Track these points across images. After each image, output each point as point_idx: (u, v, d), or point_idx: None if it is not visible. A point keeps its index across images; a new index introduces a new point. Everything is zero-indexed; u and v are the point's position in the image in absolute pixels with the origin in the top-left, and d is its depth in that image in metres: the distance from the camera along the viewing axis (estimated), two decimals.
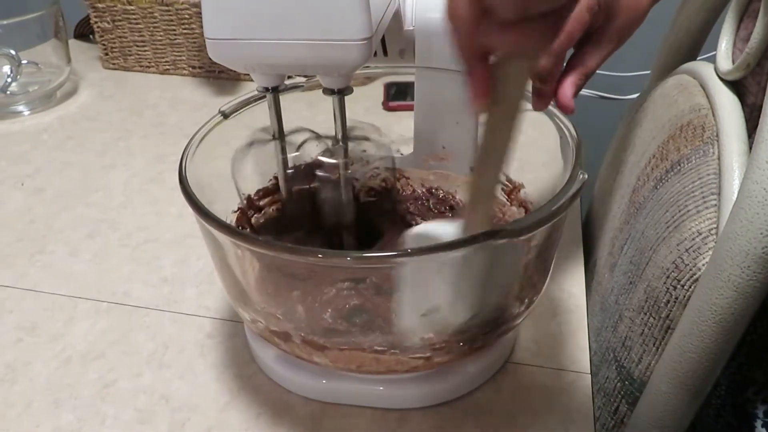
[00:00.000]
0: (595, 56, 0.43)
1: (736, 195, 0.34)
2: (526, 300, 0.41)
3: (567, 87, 0.43)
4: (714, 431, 0.42)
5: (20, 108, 0.82)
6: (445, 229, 0.35)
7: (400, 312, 0.37)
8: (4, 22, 0.78)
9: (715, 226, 0.36)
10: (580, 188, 0.36)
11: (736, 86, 0.43)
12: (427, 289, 0.36)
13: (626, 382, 0.42)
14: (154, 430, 0.41)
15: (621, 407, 0.43)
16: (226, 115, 0.45)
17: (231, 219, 0.48)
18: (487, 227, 0.34)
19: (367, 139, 0.50)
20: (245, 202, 0.49)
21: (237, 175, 0.48)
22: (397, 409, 0.42)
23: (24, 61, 0.82)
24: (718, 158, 0.38)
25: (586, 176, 0.37)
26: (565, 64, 0.45)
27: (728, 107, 0.41)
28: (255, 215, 0.50)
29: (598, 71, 0.45)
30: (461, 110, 0.51)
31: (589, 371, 0.45)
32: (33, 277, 0.54)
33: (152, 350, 0.47)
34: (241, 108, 0.46)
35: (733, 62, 0.43)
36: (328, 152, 0.48)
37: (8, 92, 0.81)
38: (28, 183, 0.67)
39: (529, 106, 0.44)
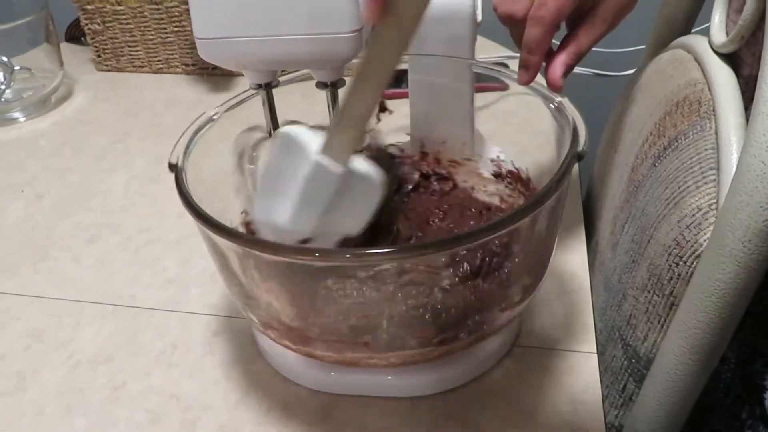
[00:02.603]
0: (587, 36, 0.43)
1: (734, 169, 0.34)
2: (530, 284, 0.41)
3: (557, 66, 0.43)
4: (724, 405, 0.42)
5: (16, 114, 0.81)
6: (308, 140, 0.33)
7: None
8: None
9: (714, 201, 0.36)
10: (565, 171, 0.35)
11: (731, 58, 0.42)
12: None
13: (632, 360, 0.43)
14: (167, 430, 0.42)
15: (628, 385, 0.43)
16: (213, 120, 0.45)
17: (236, 221, 0.48)
18: (348, 154, 0.32)
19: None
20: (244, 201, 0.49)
21: (241, 172, 0.48)
22: (407, 397, 0.42)
23: (17, 67, 0.82)
24: (716, 133, 0.38)
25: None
26: (559, 45, 0.45)
27: (724, 81, 0.40)
28: None
29: (592, 48, 0.45)
30: (456, 96, 0.51)
31: (595, 351, 0.45)
32: (38, 284, 0.55)
33: (160, 351, 0.47)
34: (232, 109, 0.46)
35: (727, 34, 0.42)
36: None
37: (2, 99, 0.81)
38: (28, 190, 0.67)
39: (514, 84, 0.44)
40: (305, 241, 0.35)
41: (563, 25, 0.44)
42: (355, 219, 0.35)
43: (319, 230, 0.34)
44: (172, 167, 0.39)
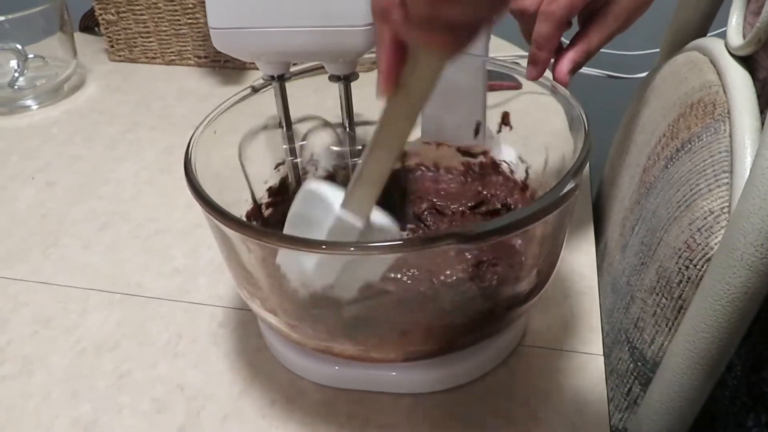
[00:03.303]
0: (598, 34, 0.42)
1: (748, 172, 0.34)
2: (537, 283, 0.41)
3: (565, 62, 0.43)
4: (729, 412, 0.42)
5: (28, 102, 0.82)
6: (332, 195, 0.34)
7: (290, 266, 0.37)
8: (10, 16, 0.78)
9: (727, 204, 0.35)
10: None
11: (747, 61, 0.42)
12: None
13: (639, 363, 0.42)
14: (171, 419, 0.42)
15: (634, 388, 0.43)
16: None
17: (241, 212, 0.48)
18: (368, 209, 0.33)
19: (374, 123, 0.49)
20: (255, 194, 0.49)
21: (246, 164, 0.48)
22: (410, 393, 0.42)
23: (30, 56, 0.82)
24: (730, 135, 0.38)
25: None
26: (569, 41, 0.44)
27: (739, 83, 0.40)
28: (269, 208, 0.51)
29: (605, 50, 0.45)
30: (467, 94, 0.51)
31: (601, 353, 0.45)
32: (47, 271, 0.55)
33: (166, 340, 0.47)
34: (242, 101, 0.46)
35: (744, 37, 0.42)
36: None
37: (16, 87, 0.81)
38: (39, 177, 0.68)
39: (524, 78, 0.44)
40: (329, 287, 0.36)
41: (576, 22, 0.44)
42: (374, 267, 0.36)
43: (342, 277, 0.35)
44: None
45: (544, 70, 0.43)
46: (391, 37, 0.28)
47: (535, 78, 0.43)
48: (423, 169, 0.55)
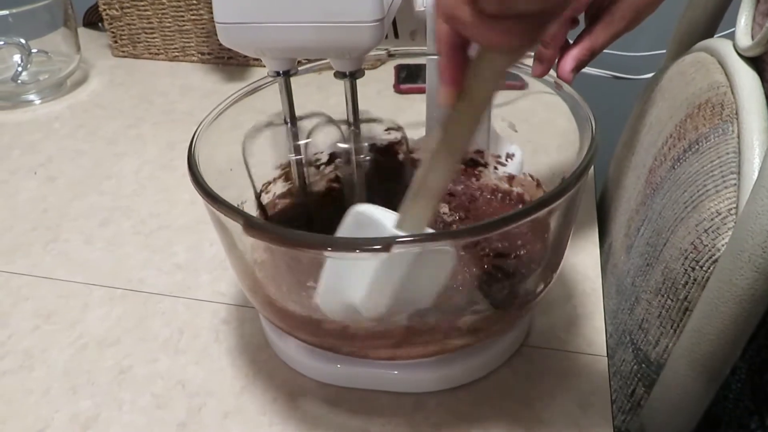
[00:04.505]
0: (604, 33, 0.42)
1: (756, 174, 0.34)
2: (541, 283, 0.41)
3: (569, 60, 0.42)
4: (733, 416, 0.41)
5: (31, 97, 0.82)
6: (383, 217, 0.34)
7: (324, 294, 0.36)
8: (14, 11, 0.78)
9: (734, 205, 0.35)
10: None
11: (755, 62, 0.42)
12: (350, 280, 0.35)
13: (643, 365, 0.42)
14: (172, 415, 0.41)
15: (637, 390, 0.43)
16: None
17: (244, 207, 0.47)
18: (424, 225, 0.32)
19: (379, 121, 0.49)
20: (258, 189, 0.49)
21: (249, 160, 0.47)
22: (413, 393, 0.42)
23: (34, 50, 0.82)
24: (738, 136, 0.37)
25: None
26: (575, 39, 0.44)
27: (748, 84, 0.40)
28: (273, 203, 0.50)
29: (611, 51, 0.44)
30: None
31: (605, 354, 0.44)
32: (48, 265, 0.55)
33: (167, 336, 0.47)
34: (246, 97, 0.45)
35: (753, 38, 0.42)
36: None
37: (19, 81, 0.81)
38: (41, 172, 0.68)
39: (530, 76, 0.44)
40: (379, 319, 0.35)
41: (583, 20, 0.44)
42: (428, 291, 0.35)
43: (394, 307, 0.34)
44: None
45: (550, 68, 0.43)
46: (453, 41, 0.28)
47: (540, 75, 0.43)
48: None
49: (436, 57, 0.49)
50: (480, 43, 0.27)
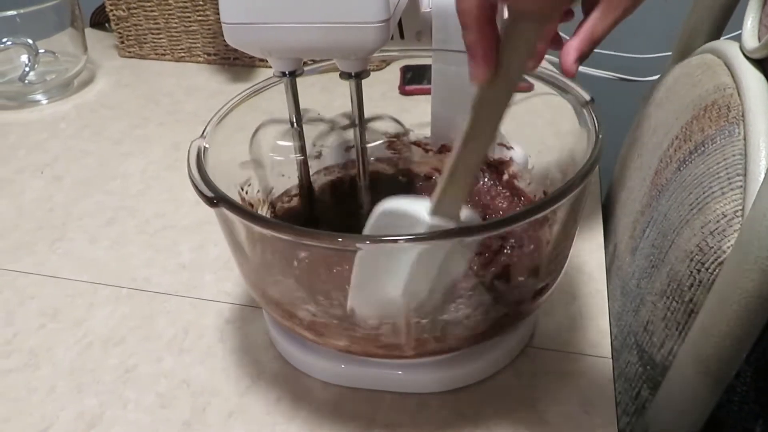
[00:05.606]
0: (603, 20, 0.41)
1: (762, 176, 0.33)
2: (546, 284, 0.41)
3: (570, 51, 0.42)
4: (738, 419, 0.41)
5: (38, 97, 0.82)
6: (414, 208, 0.33)
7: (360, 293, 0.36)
8: (21, 11, 0.78)
9: (740, 207, 0.35)
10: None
11: (762, 64, 0.42)
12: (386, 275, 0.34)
13: (648, 367, 0.42)
14: (176, 414, 0.42)
15: (642, 392, 0.43)
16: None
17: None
18: (460, 207, 0.32)
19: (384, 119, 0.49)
20: (263, 191, 0.49)
21: (255, 161, 0.48)
22: (417, 393, 0.42)
23: (41, 51, 0.82)
24: (744, 138, 0.37)
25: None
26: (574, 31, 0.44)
27: (754, 86, 0.40)
28: (278, 204, 0.50)
29: (616, 53, 0.44)
30: None
31: (609, 356, 0.44)
32: (54, 264, 0.55)
33: (172, 336, 0.47)
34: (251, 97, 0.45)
35: (759, 39, 0.42)
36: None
37: (26, 81, 0.81)
38: (47, 171, 0.68)
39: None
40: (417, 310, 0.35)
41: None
42: (454, 277, 0.35)
43: (433, 293, 0.34)
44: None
45: (541, 61, 0.43)
46: (480, 14, 0.27)
47: (531, 69, 0.43)
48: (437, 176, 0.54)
49: (446, 50, 0.49)
50: (514, 6, 0.26)
